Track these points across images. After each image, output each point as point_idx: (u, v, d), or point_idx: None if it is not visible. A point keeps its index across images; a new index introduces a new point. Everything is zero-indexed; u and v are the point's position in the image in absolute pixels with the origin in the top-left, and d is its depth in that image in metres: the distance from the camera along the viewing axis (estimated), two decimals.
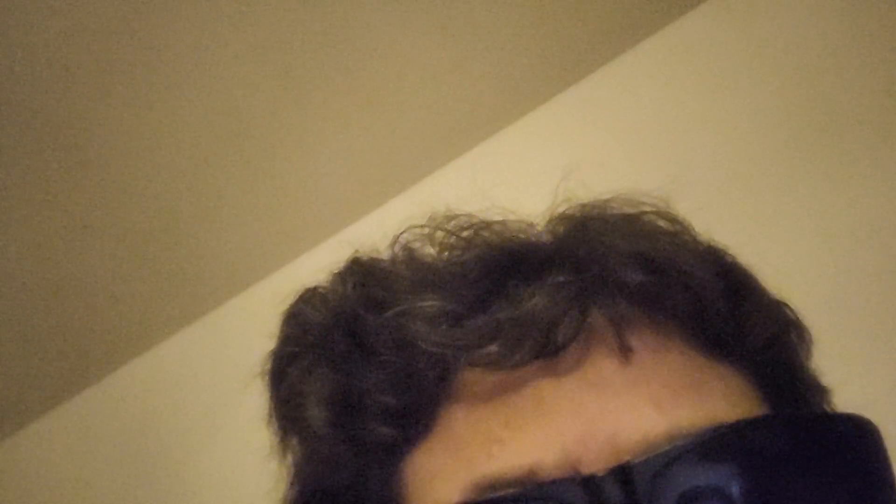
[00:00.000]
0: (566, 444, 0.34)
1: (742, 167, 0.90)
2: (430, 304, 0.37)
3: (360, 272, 0.41)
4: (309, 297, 0.41)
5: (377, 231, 0.43)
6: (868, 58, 0.87)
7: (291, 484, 0.42)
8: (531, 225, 0.42)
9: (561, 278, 0.36)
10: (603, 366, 0.36)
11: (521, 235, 0.40)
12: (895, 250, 0.79)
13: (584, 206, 0.42)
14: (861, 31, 0.88)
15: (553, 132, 1.01)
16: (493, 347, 0.36)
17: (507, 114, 1.05)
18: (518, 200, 0.44)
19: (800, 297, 0.43)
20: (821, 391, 0.44)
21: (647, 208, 0.42)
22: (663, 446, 0.33)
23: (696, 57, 0.96)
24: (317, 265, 0.43)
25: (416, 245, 0.41)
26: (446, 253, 0.40)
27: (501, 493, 0.33)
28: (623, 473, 0.32)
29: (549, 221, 0.42)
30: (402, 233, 0.41)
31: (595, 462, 0.33)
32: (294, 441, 0.41)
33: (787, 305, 0.42)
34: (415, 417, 0.38)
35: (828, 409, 0.44)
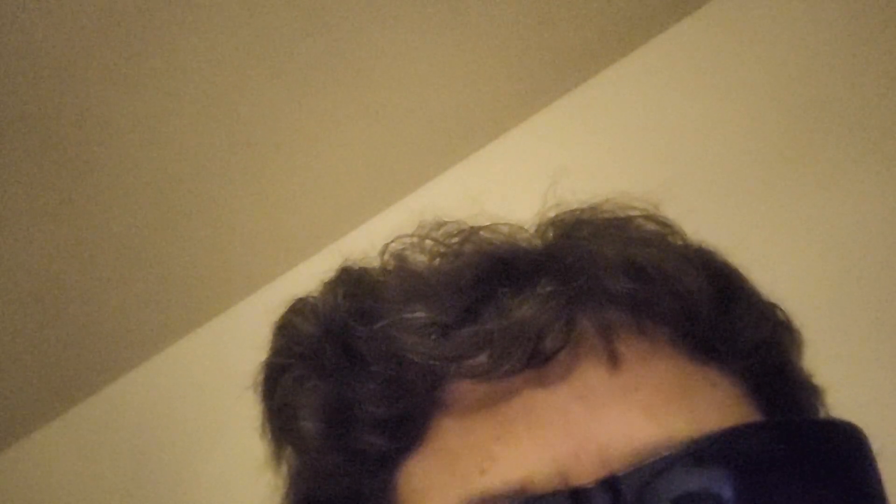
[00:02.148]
0: (557, 458, 0.34)
1: (735, 171, 0.90)
2: (418, 315, 0.37)
3: (350, 282, 0.41)
4: (299, 308, 0.41)
5: (372, 241, 0.43)
6: (861, 63, 0.87)
7: (286, 494, 0.42)
8: (521, 230, 0.42)
9: (549, 288, 0.36)
10: (592, 374, 0.36)
11: (511, 242, 0.40)
12: (890, 252, 0.79)
13: (574, 210, 0.42)
14: (855, 38, 0.88)
15: (545, 141, 1.01)
16: (482, 358, 0.36)
17: (500, 123, 1.05)
18: (511, 210, 0.44)
19: (794, 300, 0.43)
20: (814, 392, 0.44)
21: (637, 212, 0.42)
22: (653, 456, 0.34)
23: (687, 65, 0.96)
24: (314, 275, 0.43)
25: (406, 254, 0.41)
26: (436, 261, 0.40)
27: None
28: (611, 484, 0.32)
29: (540, 226, 0.42)
30: (391, 242, 0.41)
31: (585, 474, 0.33)
32: (288, 451, 0.42)
33: (777, 307, 0.42)
34: (406, 428, 0.38)
35: (822, 410, 0.44)
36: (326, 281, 0.42)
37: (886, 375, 0.72)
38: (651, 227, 0.41)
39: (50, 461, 1.34)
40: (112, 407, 1.30)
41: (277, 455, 0.42)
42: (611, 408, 0.35)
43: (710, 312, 0.38)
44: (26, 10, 0.86)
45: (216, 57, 0.94)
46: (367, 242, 0.42)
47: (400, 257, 0.40)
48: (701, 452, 0.33)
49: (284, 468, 0.42)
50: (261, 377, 0.42)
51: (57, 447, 1.34)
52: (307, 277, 0.42)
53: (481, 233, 0.41)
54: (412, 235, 0.41)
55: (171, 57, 0.93)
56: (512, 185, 0.73)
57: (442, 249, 0.40)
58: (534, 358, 0.35)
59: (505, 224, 0.42)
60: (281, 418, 0.41)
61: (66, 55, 0.91)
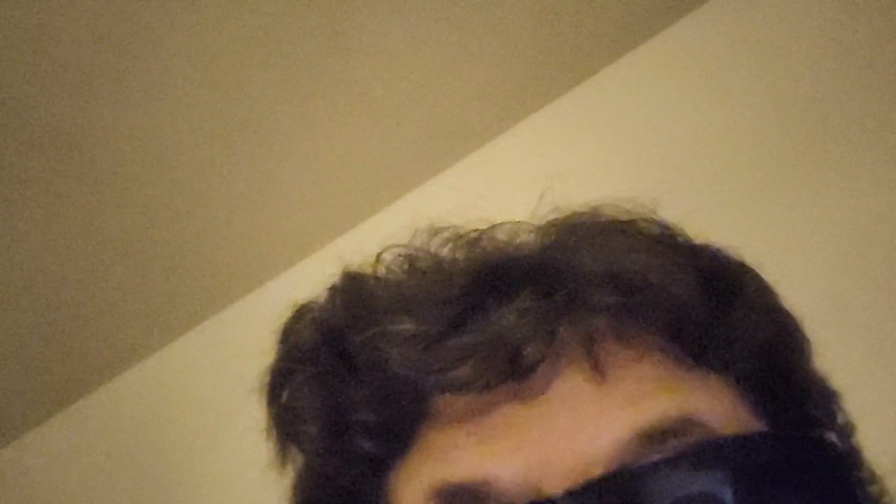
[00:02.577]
0: (528, 463, 0.34)
1: (735, 171, 0.88)
2: (404, 326, 0.37)
3: (348, 289, 0.41)
4: (301, 314, 0.42)
5: (372, 240, 0.43)
6: (861, 61, 0.83)
7: (292, 494, 0.43)
8: (521, 230, 0.42)
9: (529, 301, 0.36)
10: (574, 385, 0.36)
11: (502, 250, 0.40)
12: (892, 251, 0.76)
13: (570, 214, 0.42)
14: (855, 36, 0.84)
15: (543, 142, 1.00)
16: (464, 371, 0.36)
17: (498, 124, 1.05)
18: (507, 210, 0.43)
19: (796, 301, 0.42)
20: (828, 395, 0.42)
21: (635, 215, 0.41)
22: (629, 451, 0.34)
23: (686, 64, 0.94)
24: (312, 274, 0.44)
25: (398, 263, 0.41)
26: (427, 270, 0.40)
27: None
28: (580, 494, 0.32)
29: (536, 231, 0.42)
30: (383, 251, 0.41)
31: (559, 484, 0.33)
32: (293, 453, 0.43)
33: (781, 308, 0.41)
34: (395, 434, 0.39)
35: (838, 414, 0.43)
36: (330, 286, 0.43)
37: (892, 376, 0.69)
38: (650, 229, 0.40)
39: (49, 459, 1.36)
40: (112, 404, 1.33)
41: (282, 456, 0.43)
42: (590, 412, 0.35)
43: (701, 318, 0.37)
44: (26, 9, 0.87)
45: (214, 56, 0.95)
46: (365, 242, 0.43)
47: (391, 267, 0.41)
48: (670, 463, 0.33)
49: (290, 469, 0.43)
50: (265, 381, 0.43)
51: (56, 445, 1.36)
52: (305, 276, 0.43)
53: (477, 239, 0.41)
54: (406, 245, 0.41)
55: (171, 56, 0.94)
56: (509, 185, 0.73)
57: (433, 259, 0.40)
58: (514, 370, 0.35)
59: (506, 224, 0.42)
60: (284, 421, 0.42)
61: (66, 53, 0.92)
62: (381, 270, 0.41)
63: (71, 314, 1.24)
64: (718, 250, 0.42)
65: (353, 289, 0.41)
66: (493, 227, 0.42)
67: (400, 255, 0.41)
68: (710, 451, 0.34)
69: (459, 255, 0.40)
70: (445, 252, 0.40)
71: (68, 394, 1.35)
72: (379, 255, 0.41)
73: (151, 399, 1.30)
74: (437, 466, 0.36)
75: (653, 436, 0.34)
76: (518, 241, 0.41)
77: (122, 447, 1.30)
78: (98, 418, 1.35)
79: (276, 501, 0.43)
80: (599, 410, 0.35)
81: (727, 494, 0.33)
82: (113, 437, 1.32)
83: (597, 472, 0.33)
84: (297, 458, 0.43)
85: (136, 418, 1.30)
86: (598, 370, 0.36)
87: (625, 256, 0.38)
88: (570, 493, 0.32)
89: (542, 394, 0.36)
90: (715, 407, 0.36)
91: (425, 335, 0.37)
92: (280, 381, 0.42)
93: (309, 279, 0.43)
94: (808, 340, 0.41)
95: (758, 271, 0.42)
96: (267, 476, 0.43)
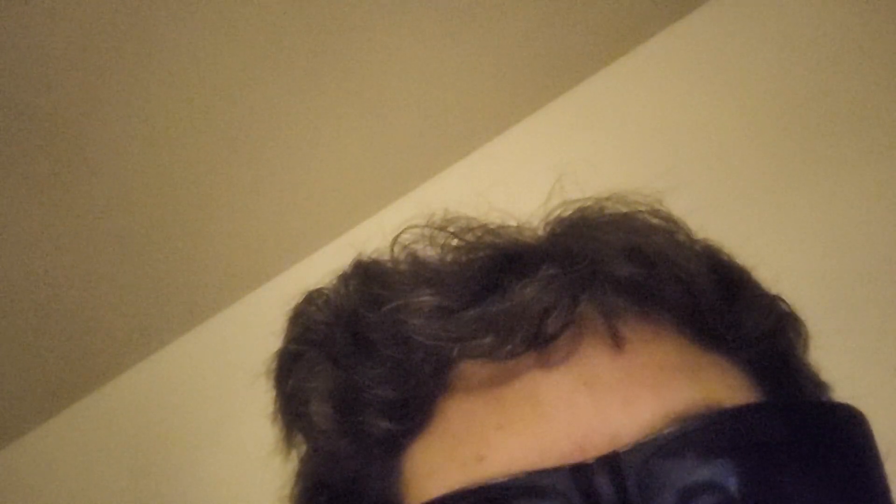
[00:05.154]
0: (563, 451, 0.34)
1: (739, 167, 0.90)
2: (425, 298, 0.38)
3: (362, 273, 0.42)
4: (313, 298, 0.43)
5: (379, 234, 0.44)
6: (863, 57, 0.88)
7: (296, 480, 0.43)
8: (529, 227, 0.43)
9: (552, 271, 0.37)
10: (595, 357, 0.36)
11: (518, 237, 0.41)
12: (890, 249, 0.79)
13: (578, 206, 0.43)
14: (857, 32, 0.88)
15: (551, 136, 1.02)
16: (486, 339, 0.36)
17: (507, 118, 1.06)
18: (517, 203, 0.45)
19: (798, 295, 0.43)
20: (820, 386, 0.44)
21: (642, 208, 0.42)
22: (657, 431, 0.34)
23: (691, 60, 0.97)
24: (318, 269, 0.44)
25: (416, 246, 0.42)
26: (446, 254, 0.41)
27: (491, 482, 0.34)
28: (612, 461, 0.32)
29: (546, 222, 0.43)
30: (401, 233, 0.42)
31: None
32: (299, 438, 0.43)
33: (782, 300, 0.43)
34: (413, 410, 0.38)
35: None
36: (340, 274, 0.43)
37: (891, 371, 0.72)
38: (655, 222, 0.42)
39: (52, 458, 1.34)
40: (117, 402, 1.30)
41: (288, 442, 0.43)
42: (616, 394, 0.35)
43: (714, 300, 0.39)
44: (26, 7, 0.86)
45: (222, 49, 0.94)
46: (374, 235, 0.43)
47: (409, 248, 0.42)
48: (705, 430, 0.34)
49: (294, 455, 0.43)
50: (274, 364, 0.43)
51: (61, 443, 1.34)
52: (313, 271, 0.43)
53: (491, 229, 0.42)
54: (423, 226, 0.42)
55: (175, 50, 0.93)
56: (518, 178, 0.74)
57: (451, 243, 0.41)
58: (537, 339, 0.36)
59: (513, 223, 0.43)
60: (293, 404, 0.42)
61: (66, 52, 0.91)
62: (399, 251, 0.42)
63: (76, 311, 1.20)
64: (716, 246, 0.44)
65: (368, 271, 0.42)
66: (500, 226, 0.43)
67: (418, 237, 0.42)
68: (745, 418, 0.34)
69: (475, 241, 0.41)
70: (462, 237, 0.41)
71: (74, 391, 1.31)
72: (397, 237, 0.42)
73: (157, 397, 1.26)
74: (468, 464, 0.35)
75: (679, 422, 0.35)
76: (526, 233, 0.43)
77: (126, 446, 1.27)
78: (103, 417, 1.31)
79: (279, 495, 0.43)
80: (628, 397, 0.35)
81: (765, 461, 0.33)
82: (118, 435, 1.28)
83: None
84: (302, 445, 0.43)
85: (142, 417, 1.27)
86: (617, 343, 0.37)
87: (644, 235, 0.39)
88: (602, 460, 0.32)
89: (565, 365, 0.36)
90: (732, 391, 0.37)
91: (447, 307, 0.37)
92: (290, 364, 0.42)
93: (315, 275, 0.44)
94: (806, 331, 0.43)
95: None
96: (271, 471, 0.42)
